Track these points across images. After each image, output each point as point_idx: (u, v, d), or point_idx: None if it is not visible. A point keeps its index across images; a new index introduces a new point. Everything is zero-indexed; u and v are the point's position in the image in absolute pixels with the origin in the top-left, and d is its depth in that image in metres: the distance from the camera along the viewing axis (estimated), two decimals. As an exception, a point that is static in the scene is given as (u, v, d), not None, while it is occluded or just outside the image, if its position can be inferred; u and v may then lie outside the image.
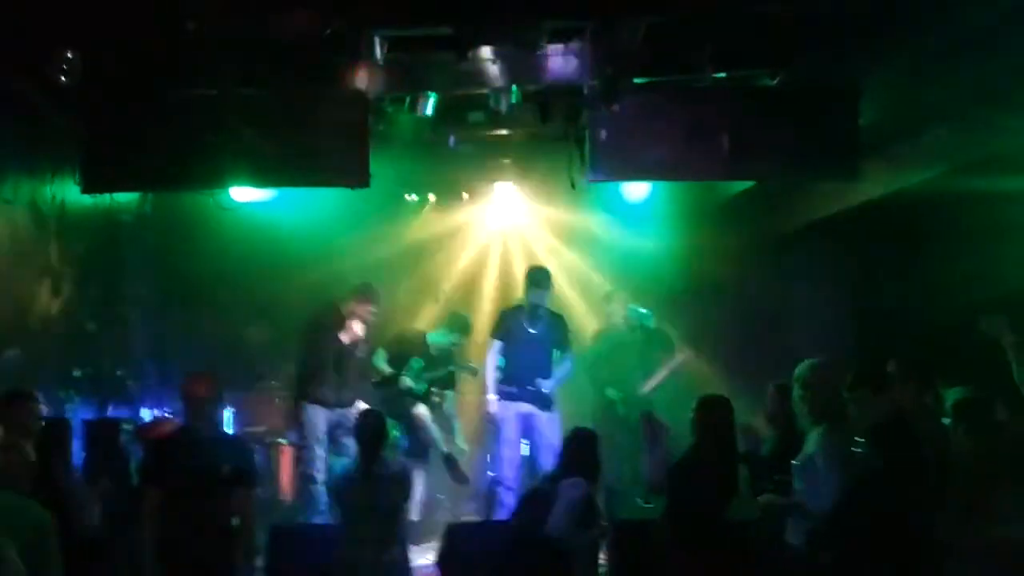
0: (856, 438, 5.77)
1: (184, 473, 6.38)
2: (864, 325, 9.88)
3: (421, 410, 9.85)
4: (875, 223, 9.36)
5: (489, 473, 9.56)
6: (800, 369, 6.11)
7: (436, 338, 10.26)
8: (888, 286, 9.43)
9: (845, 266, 10.31)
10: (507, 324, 9.67)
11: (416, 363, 9.99)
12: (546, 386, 9.41)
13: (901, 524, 5.35)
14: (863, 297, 10.01)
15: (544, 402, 9.46)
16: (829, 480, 5.76)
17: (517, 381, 9.47)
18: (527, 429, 9.46)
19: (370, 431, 7.11)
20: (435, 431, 9.91)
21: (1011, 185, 7.54)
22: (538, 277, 9.58)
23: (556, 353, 9.69)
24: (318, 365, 9.33)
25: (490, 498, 9.56)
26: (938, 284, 8.67)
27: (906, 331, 8.79)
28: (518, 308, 9.71)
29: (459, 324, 10.24)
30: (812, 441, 5.93)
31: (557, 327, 9.71)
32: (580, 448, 7.15)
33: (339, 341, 9.25)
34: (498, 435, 9.52)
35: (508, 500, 9.16)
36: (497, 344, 9.65)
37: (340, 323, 9.32)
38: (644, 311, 10.52)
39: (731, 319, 10.90)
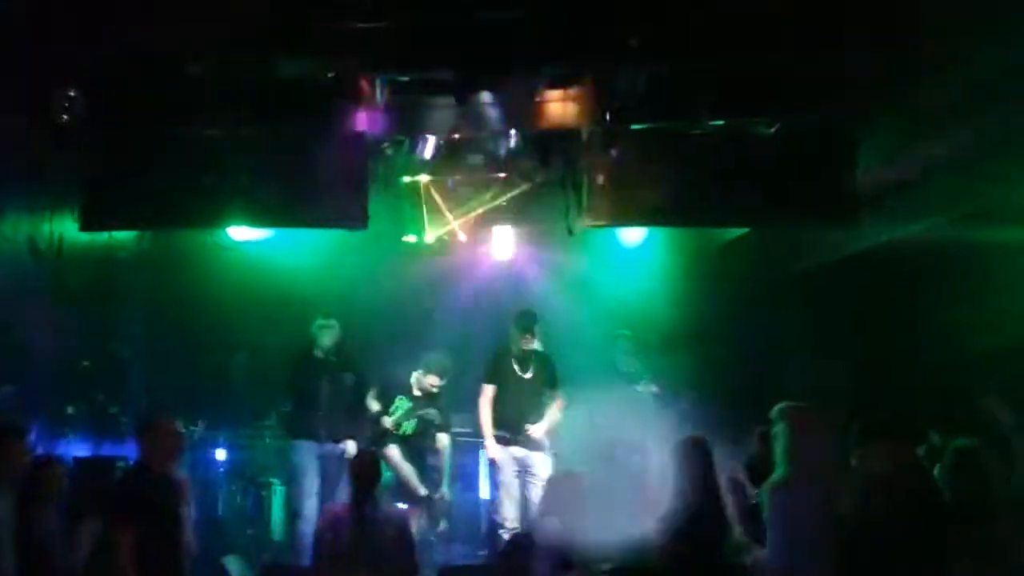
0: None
1: (154, 513, 6.34)
2: (860, 374, 9.85)
3: (391, 451, 9.85)
4: (872, 271, 9.37)
5: (493, 517, 9.53)
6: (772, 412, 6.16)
7: (418, 378, 10.27)
8: (885, 335, 9.42)
9: (841, 314, 10.30)
10: (498, 367, 9.67)
11: (402, 403, 9.99)
12: (536, 431, 9.40)
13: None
14: (859, 346, 9.99)
15: (536, 445, 9.45)
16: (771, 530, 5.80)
17: (509, 426, 9.47)
18: (522, 472, 9.45)
19: (363, 471, 7.09)
20: (407, 471, 9.89)
21: (1010, 236, 7.57)
22: (526, 321, 9.60)
23: (547, 394, 9.69)
24: (306, 399, 9.42)
25: (493, 541, 9.54)
26: (935, 334, 8.66)
27: (902, 381, 8.78)
28: (507, 351, 9.71)
29: (436, 365, 10.21)
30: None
31: (547, 368, 9.72)
32: (556, 491, 7.21)
33: (322, 370, 9.43)
34: (496, 478, 9.50)
35: None
36: (490, 389, 9.64)
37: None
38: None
39: (725, 365, 10.87)
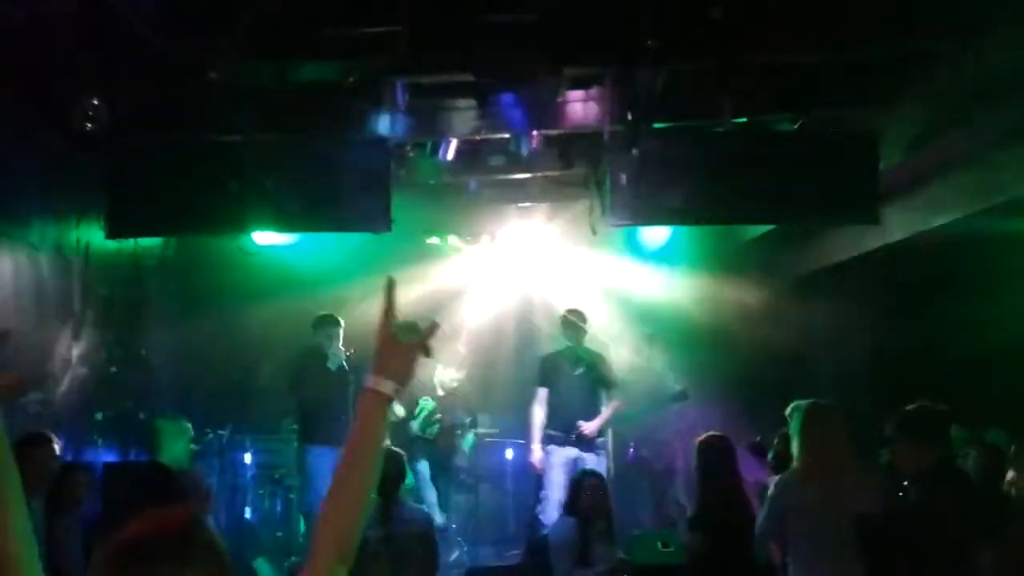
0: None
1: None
2: (884, 369, 9.84)
3: (422, 467, 9.87)
4: (895, 266, 9.35)
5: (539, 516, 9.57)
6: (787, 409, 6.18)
7: (439, 376, 10.27)
8: (908, 330, 9.40)
9: (865, 309, 10.28)
10: (549, 370, 9.68)
11: (426, 404, 9.99)
12: (588, 428, 9.38)
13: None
14: (883, 340, 9.97)
15: (590, 445, 9.44)
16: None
17: (563, 426, 9.46)
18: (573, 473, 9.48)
19: (387, 470, 7.12)
20: (431, 496, 9.90)
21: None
22: (575, 319, 9.61)
23: (603, 393, 9.69)
24: (311, 403, 9.48)
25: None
26: (958, 328, 8.64)
27: (926, 375, 8.76)
28: (559, 353, 9.73)
29: (451, 358, 10.19)
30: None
31: (600, 366, 9.71)
32: (573, 490, 7.34)
33: (326, 375, 9.37)
34: (546, 479, 9.52)
35: None
36: (542, 392, 9.65)
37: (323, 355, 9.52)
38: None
39: (749, 362, 10.85)
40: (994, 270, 8.16)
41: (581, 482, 7.41)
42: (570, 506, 7.25)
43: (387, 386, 2.34)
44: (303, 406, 9.70)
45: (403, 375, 2.37)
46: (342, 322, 9.65)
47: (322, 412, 9.43)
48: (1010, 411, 7.18)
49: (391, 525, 6.89)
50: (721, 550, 6.30)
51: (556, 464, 9.49)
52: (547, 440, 9.58)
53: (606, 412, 9.57)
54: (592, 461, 9.43)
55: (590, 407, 9.56)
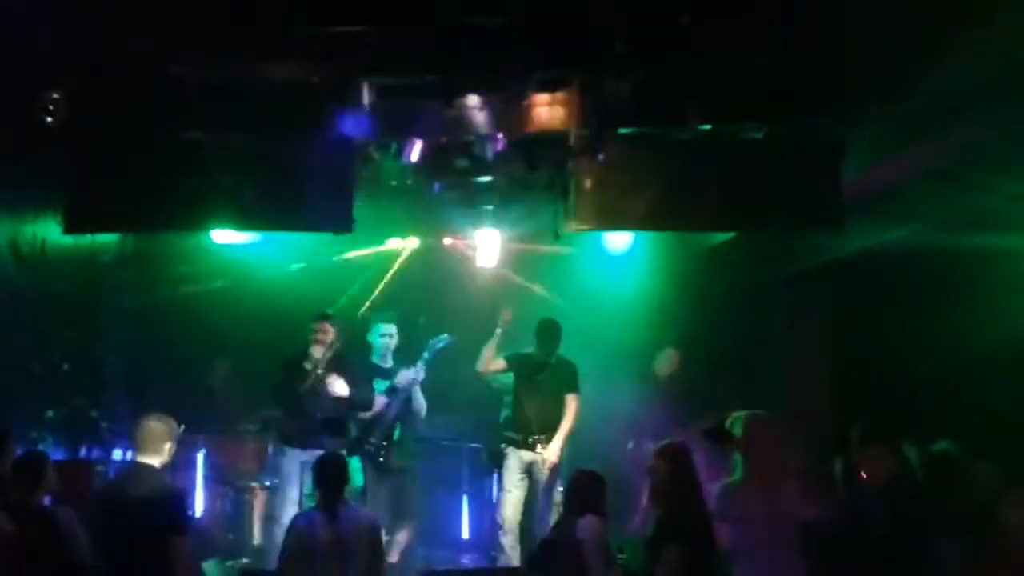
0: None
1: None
2: (844, 378, 9.88)
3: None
4: (857, 276, 9.39)
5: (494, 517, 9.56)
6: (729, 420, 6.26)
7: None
8: (869, 340, 9.45)
9: (826, 318, 10.32)
10: (518, 366, 9.78)
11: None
12: (551, 453, 9.46)
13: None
14: (844, 350, 10.01)
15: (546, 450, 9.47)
16: None
17: (523, 431, 9.53)
18: (526, 476, 9.49)
19: (332, 472, 7.10)
20: None
21: (994, 243, 7.61)
22: (547, 329, 9.73)
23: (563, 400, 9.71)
24: (288, 404, 9.34)
25: (490, 543, 9.59)
26: (918, 340, 8.68)
27: (886, 386, 8.80)
28: (530, 356, 9.81)
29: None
30: None
31: (565, 372, 9.77)
32: (583, 487, 7.20)
33: (307, 378, 9.24)
34: (500, 480, 9.57)
35: (507, 544, 9.31)
36: (501, 362, 9.75)
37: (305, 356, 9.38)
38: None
39: (710, 369, 10.86)
40: (956, 283, 8.22)
41: (594, 480, 7.27)
42: (596, 504, 7.10)
43: None
44: (283, 405, 9.54)
45: None
46: (328, 318, 9.54)
47: (295, 413, 9.32)
48: (970, 424, 7.20)
49: (338, 526, 6.88)
50: (693, 560, 6.29)
51: (513, 467, 9.55)
52: (506, 442, 9.65)
53: (562, 430, 9.58)
54: (543, 464, 9.52)
55: (550, 414, 9.61)
